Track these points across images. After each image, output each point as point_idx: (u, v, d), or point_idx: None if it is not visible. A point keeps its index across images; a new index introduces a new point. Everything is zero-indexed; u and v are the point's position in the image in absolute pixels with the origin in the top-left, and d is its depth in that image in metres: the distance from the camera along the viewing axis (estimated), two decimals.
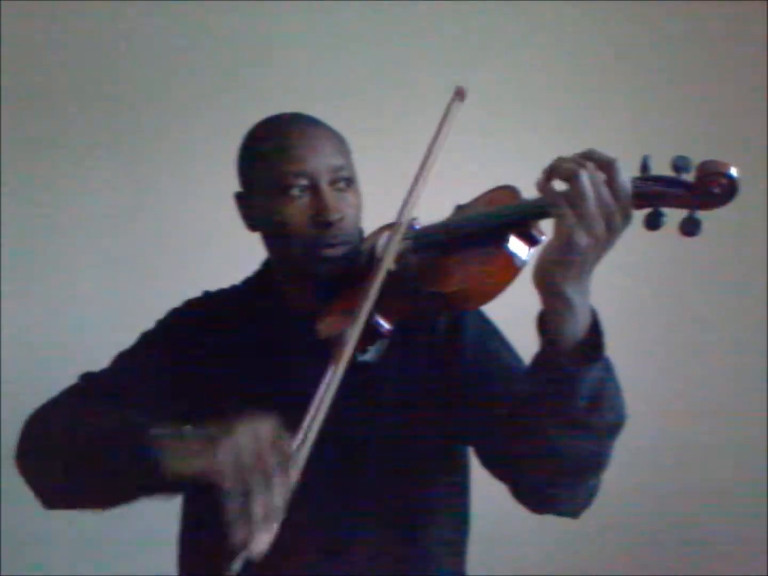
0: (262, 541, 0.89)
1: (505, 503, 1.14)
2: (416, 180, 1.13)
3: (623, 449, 1.04)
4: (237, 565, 0.90)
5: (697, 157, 0.90)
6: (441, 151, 1.13)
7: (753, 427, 2.29)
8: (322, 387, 1.01)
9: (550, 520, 1.14)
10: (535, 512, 1.13)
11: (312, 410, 0.99)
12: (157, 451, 1.00)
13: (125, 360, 1.27)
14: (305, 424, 0.98)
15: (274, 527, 0.91)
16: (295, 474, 0.93)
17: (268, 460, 0.92)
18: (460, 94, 1.16)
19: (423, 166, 1.13)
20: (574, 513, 1.11)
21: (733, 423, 2.28)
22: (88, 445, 1.09)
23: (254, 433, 0.94)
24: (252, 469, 0.92)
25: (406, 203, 1.13)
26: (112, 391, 1.21)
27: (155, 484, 1.03)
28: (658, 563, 2.24)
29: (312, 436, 0.98)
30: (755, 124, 2.31)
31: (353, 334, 1.03)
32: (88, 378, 1.25)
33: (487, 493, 1.26)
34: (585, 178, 0.88)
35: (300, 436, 0.97)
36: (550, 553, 2.17)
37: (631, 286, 2.20)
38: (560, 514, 1.11)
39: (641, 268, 2.16)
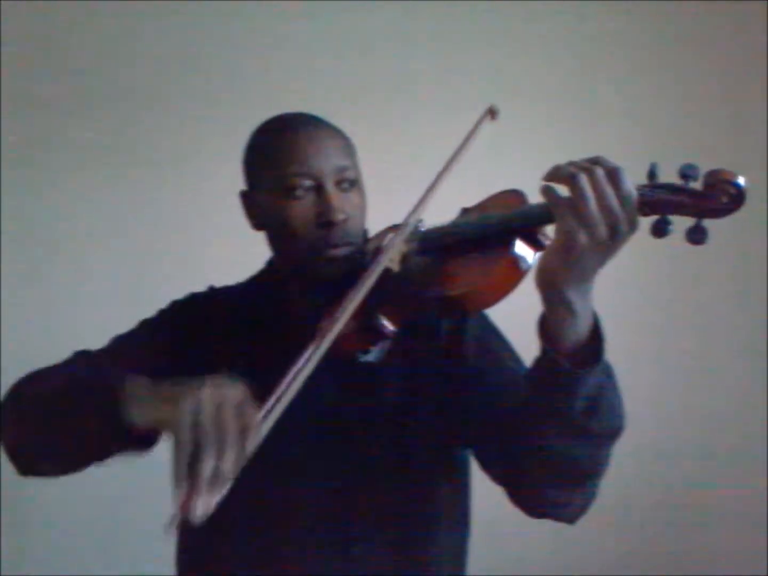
0: (203, 506, 0.84)
1: (505, 504, 1.14)
2: (431, 186, 1.12)
3: (623, 451, 1.05)
4: (171, 526, 0.84)
5: (699, 162, 0.90)
6: (459, 162, 1.13)
7: (753, 428, 2.30)
8: (300, 362, 0.98)
9: (549, 522, 1.14)
10: (532, 516, 1.12)
11: (284, 385, 0.96)
12: (123, 398, 0.99)
13: (122, 343, 1.26)
14: (274, 396, 0.95)
15: (217, 496, 0.86)
16: (252, 445, 0.89)
17: (227, 424, 0.88)
18: (492, 113, 1.17)
19: (440, 174, 1.13)
20: (570, 518, 1.11)
21: (733, 425, 2.29)
22: (61, 392, 1.08)
23: (221, 394, 0.91)
24: (209, 429, 0.88)
25: (417, 206, 1.12)
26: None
27: (117, 431, 1.01)
28: (657, 563, 2.25)
29: (279, 408, 0.94)
30: (756, 127, 2.31)
31: (343, 319, 1.02)
32: (81, 355, 1.24)
33: (487, 493, 1.27)
34: (583, 179, 0.88)
35: (267, 406, 0.94)
36: (550, 553, 2.18)
37: (630, 289, 2.20)
38: (557, 519, 1.11)
39: (641, 271, 2.17)
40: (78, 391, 1.06)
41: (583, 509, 1.09)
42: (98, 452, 1.09)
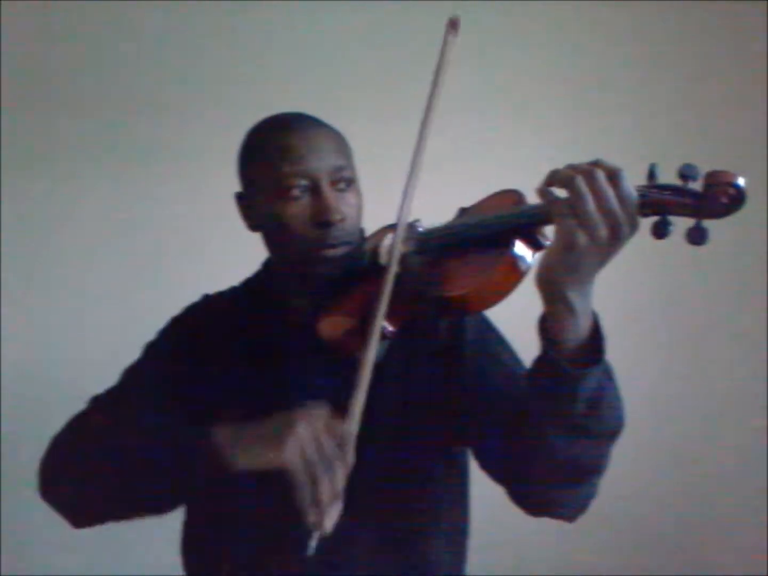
0: (331, 519, 0.98)
1: (504, 504, 1.14)
2: (419, 142, 1.12)
3: (623, 450, 1.05)
4: (313, 544, 0.97)
5: (698, 162, 0.90)
6: (439, 100, 1.14)
7: (753, 428, 2.30)
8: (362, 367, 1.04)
9: (549, 521, 1.14)
10: (531, 515, 1.13)
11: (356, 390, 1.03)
12: (224, 449, 1.05)
13: (131, 375, 1.27)
14: (351, 404, 1.02)
15: (340, 504, 0.99)
16: (351, 453, 1.00)
17: (328, 447, 0.99)
18: (453, 26, 1.16)
19: (426, 117, 1.13)
20: (570, 517, 1.11)
21: (733, 425, 2.29)
22: (134, 455, 1.10)
23: (312, 423, 1.01)
24: (317, 462, 0.99)
25: (410, 176, 1.12)
26: (123, 409, 1.21)
27: (217, 480, 1.08)
28: (658, 563, 2.25)
29: (358, 414, 1.02)
30: (757, 126, 2.31)
31: (371, 346, 1.05)
32: (96, 401, 1.25)
33: (486, 493, 1.26)
34: (581, 182, 0.88)
35: (349, 416, 1.02)
36: (550, 553, 2.18)
37: (630, 289, 2.20)
38: (556, 517, 1.12)
39: (641, 270, 2.16)
40: (158, 450, 1.10)
41: (582, 507, 1.09)
42: (177, 500, 1.15)
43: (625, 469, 1.10)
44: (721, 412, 2.30)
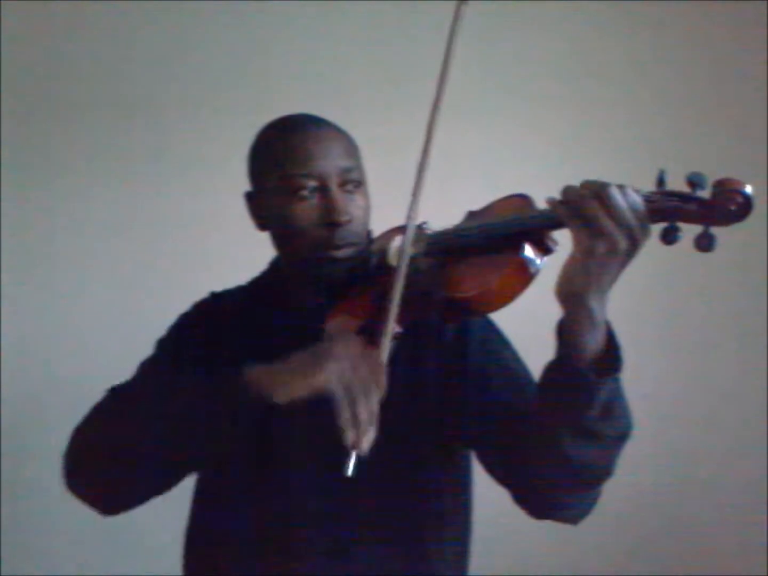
0: (368, 440, 0.99)
1: (504, 504, 1.14)
2: (429, 130, 1.12)
3: (624, 451, 1.05)
4: (352, 464, 0.98)
5: (703, 168, 0.91)
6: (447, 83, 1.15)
7: (753, 428, 2.31)
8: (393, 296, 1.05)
9: (549, 522, 1.14)
10: (536, 518, 1.13)
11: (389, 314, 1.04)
12: (262, 384, 1.05)
13: (147, 367, 1.27)
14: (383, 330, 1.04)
15: (374, 428, 1.00)
16: (384, 378, 1.02)
17: (363, 371, 1.01)
18: None
19: (437, 99, 1.14)
20: (574, 520, 1.12)
21: (733, 425, 2.29)
22: (166, 417, 1.09)
23: (347, 349, 1.03)
24: (353, 380, 1.00)
25: (419, 174, 1.12)
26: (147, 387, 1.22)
27: (258, 416, 1.07)
28: (658, 563, 2.25)
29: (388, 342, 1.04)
30: (756, 130, 2.32)
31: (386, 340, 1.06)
32: (114, 391, 1.24)
33: (486, 493, 1.27)
34: (595, 201, 0.89)
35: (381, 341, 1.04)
36: (550, 553, 2.18)
37: (632, 291, 2.20)
38: (561, 520, 1.12)
39: (641, 274, 2.16)
40: (196, 404, 1.09)
41: (587, 511, 1.10)
42: (214, 455, 1.13)
43: (626, 469, 1.11)
44: (722, 412, 2.30)
